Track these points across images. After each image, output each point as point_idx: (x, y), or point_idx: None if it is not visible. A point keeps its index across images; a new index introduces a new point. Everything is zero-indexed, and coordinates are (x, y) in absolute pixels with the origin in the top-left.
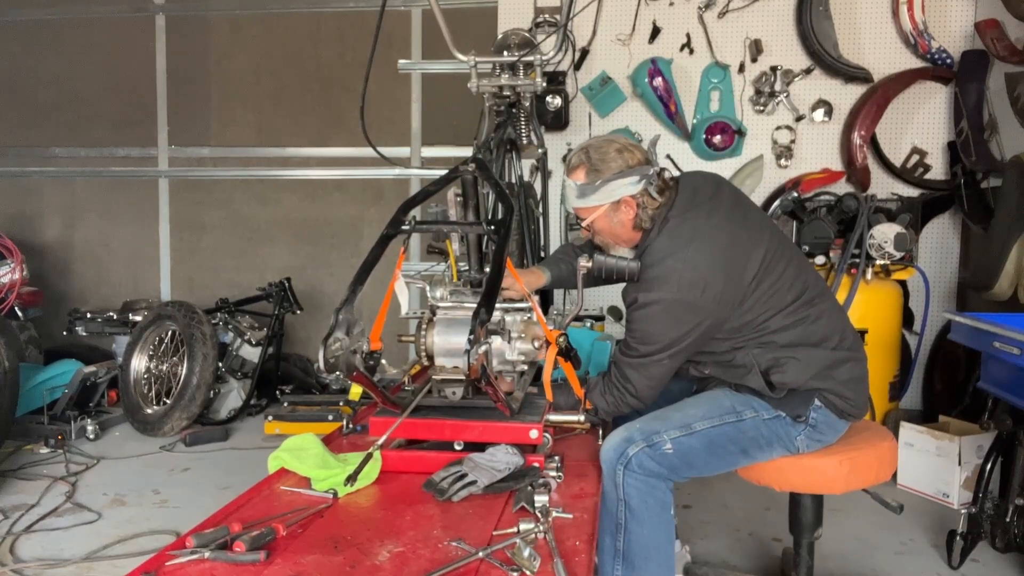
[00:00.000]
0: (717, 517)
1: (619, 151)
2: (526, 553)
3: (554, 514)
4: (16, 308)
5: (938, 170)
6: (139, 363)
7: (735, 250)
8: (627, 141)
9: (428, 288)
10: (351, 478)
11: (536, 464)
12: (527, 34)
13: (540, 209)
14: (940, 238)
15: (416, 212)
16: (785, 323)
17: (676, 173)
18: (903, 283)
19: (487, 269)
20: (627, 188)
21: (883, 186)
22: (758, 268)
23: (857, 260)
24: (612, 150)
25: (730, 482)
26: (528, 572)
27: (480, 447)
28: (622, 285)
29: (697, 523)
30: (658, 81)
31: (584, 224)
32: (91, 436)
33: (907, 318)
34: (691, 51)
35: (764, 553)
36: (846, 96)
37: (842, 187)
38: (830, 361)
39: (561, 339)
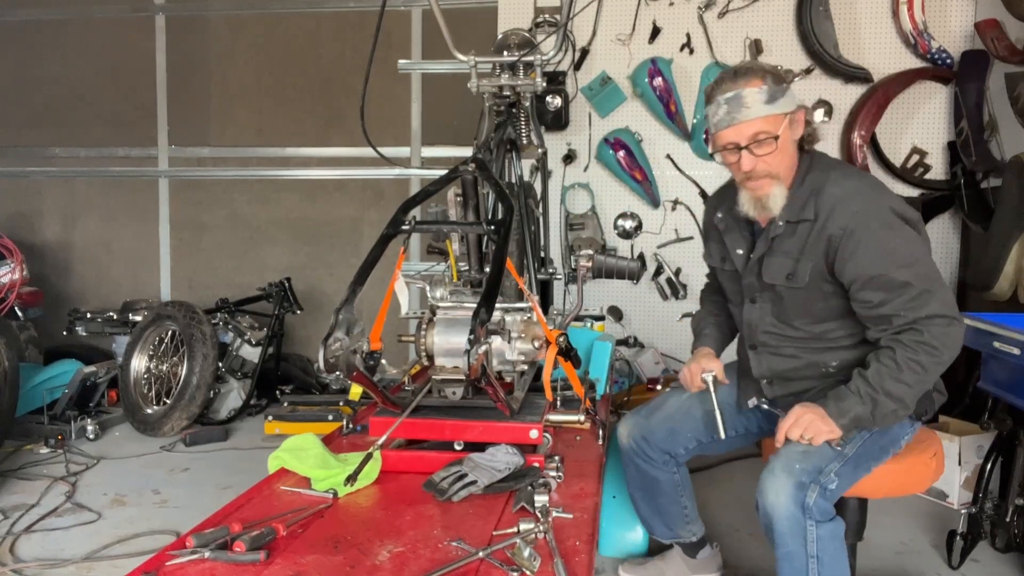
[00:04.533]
0: (717, 517)
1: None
2: (526, 553)
3: (554, 514)
4: (16, 308)
5: (938, 170)
6: (139, 363)
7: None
8: None
9: (428, 288)
10: (351, 478)
11: (536, 464)
12: (527, 34)
13: (540, 209)
14: (940, 238)
15: (416, 212)
16: None
17: (676, 173)
18: None
19: (487, 269)
20: (797, 101)
21: None
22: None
23: None
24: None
25: (730, 482)
26: (528, 572)
27: (480, 447)
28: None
29: None
30: (658, 81)
31: (763, 136)
32: (91, 436)
33: None
34: (691, 51)
35: (764, 553)
36: (846, 96)
37: None
38: None
39: (561, 339)
